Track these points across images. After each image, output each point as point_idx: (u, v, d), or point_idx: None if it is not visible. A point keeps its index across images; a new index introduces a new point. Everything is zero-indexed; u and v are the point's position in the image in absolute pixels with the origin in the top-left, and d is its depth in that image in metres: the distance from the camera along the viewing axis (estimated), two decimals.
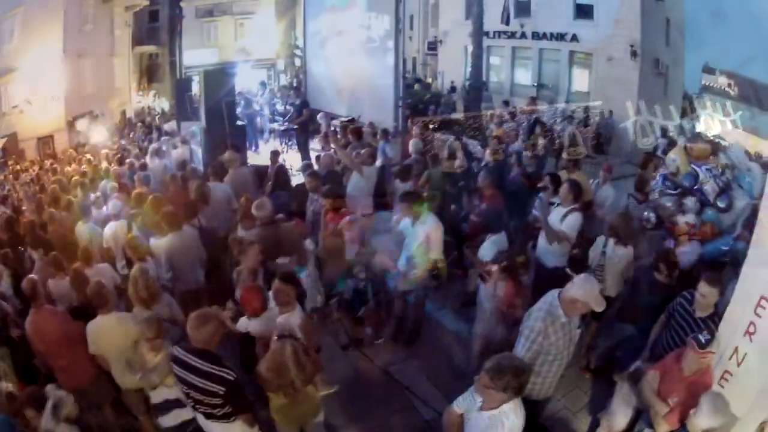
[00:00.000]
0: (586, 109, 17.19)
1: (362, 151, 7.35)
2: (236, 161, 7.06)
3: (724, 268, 4.67)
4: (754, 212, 4.21)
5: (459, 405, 3.00)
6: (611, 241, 4.90)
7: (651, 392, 3.39)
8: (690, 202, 5.31)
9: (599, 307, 3.23)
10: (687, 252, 5.01)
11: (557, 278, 4.49)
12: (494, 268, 4.51)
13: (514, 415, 2.68)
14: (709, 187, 5.33)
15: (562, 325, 3.33)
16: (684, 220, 5.16)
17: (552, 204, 5.53)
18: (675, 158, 6.04)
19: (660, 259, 4.58)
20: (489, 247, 5.20)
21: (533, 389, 3.43)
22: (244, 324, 3.98)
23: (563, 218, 5.21)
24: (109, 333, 3.97)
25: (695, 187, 5.46)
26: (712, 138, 6.49)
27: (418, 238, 5.09)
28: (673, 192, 5.56)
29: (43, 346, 4.15)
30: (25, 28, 20.14)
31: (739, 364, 3.30)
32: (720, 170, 5.53)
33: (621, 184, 7.65)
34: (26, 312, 4.34)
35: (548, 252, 5.35)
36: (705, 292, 3.71)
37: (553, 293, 3.43)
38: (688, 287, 4.02)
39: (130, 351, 3.79)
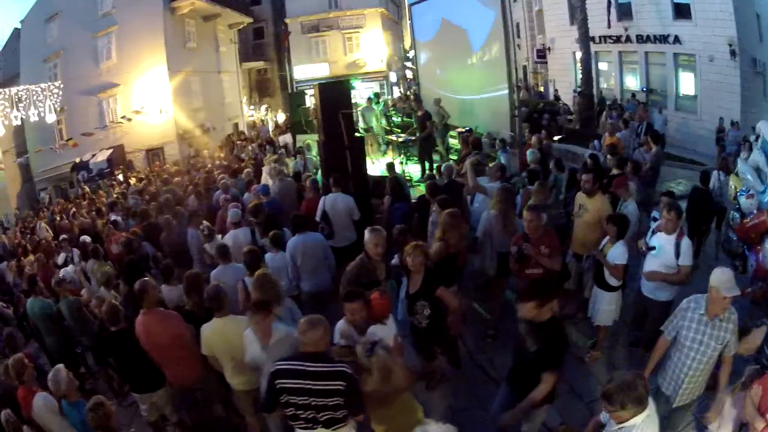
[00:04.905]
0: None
1: (491, 166, 7.14)
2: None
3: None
4: None
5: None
6: None
7: (752, 407, 3.29)
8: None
9: (729, 292, 3.34)
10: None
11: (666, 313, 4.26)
12: None
13: (643, 425, 2.73)
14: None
15: (700, 317, 3.50)
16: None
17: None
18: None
19: None
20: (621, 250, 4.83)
21: (661, 371, 3.78)
22: (372, 331, 3.77)
23: (676, 246, 4.50)
24: (223, 335, 4.02)
25: None
26: None
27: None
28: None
29: (150, 346, 4.27)
30: (121, 46, 21.52)
31: None
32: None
33: None
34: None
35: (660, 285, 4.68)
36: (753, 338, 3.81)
37: None
38: None
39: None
